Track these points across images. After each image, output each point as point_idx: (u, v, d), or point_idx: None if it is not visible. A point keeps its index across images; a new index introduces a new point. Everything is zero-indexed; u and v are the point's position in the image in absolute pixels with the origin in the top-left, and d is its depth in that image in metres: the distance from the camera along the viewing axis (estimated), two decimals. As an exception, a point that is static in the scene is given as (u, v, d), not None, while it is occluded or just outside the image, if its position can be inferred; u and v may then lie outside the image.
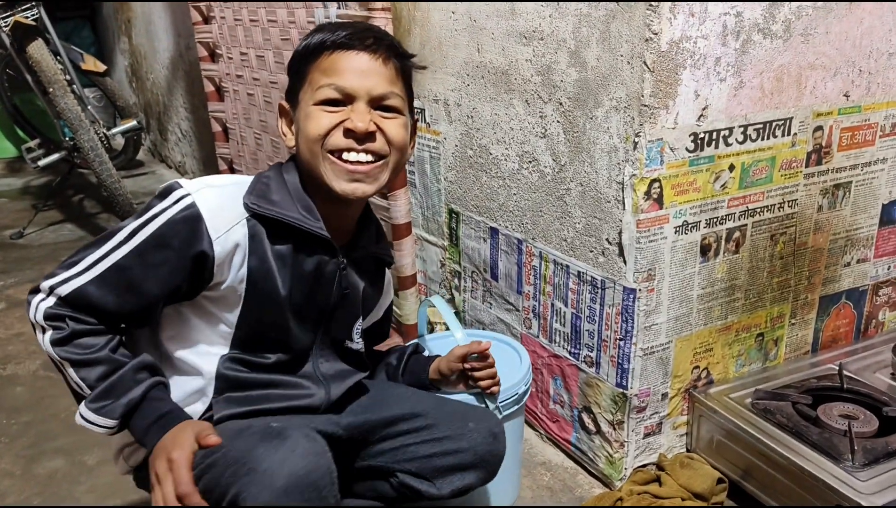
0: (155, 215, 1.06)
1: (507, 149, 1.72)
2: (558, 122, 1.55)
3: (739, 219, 1.55)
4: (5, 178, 4.43)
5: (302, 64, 1.14)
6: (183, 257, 1.05)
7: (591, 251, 1.55)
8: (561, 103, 1.54)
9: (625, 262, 1.47)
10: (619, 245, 1.47)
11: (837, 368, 1.68)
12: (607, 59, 1.41)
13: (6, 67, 3.75)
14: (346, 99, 1.11)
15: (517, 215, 1.74)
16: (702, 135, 1.44)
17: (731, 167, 1.49)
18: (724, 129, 1.46)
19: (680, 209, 1.47)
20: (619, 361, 1.55)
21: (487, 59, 1.71)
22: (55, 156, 3.31)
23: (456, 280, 2.03)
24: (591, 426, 1.66)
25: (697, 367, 1.64)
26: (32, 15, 3.05)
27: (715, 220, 1.52)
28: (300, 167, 1.17)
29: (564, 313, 1.66)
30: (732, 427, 1.55)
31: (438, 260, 2.08)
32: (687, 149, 1.43)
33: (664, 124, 1.38)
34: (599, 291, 1.55)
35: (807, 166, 1.60)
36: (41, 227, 3.60)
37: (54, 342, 1.04)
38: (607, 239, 1.50)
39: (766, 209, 1.58)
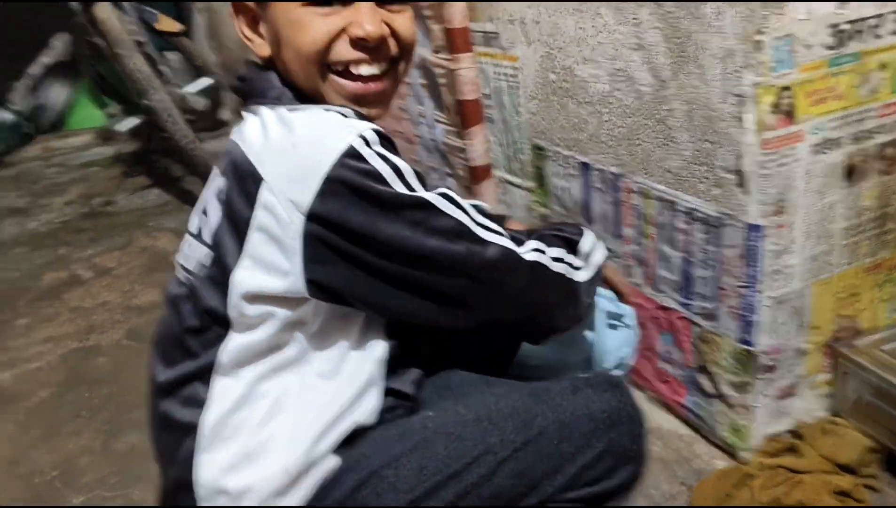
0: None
1: (595, 68, 1.45)
2: (656, 27, 1.28)
3: (894, 130, 1.24)
4: (98, 147, 4.46)
5: None
6: None
7: (703, 183, 1.29)
8: (659, 4, 1.26)
9: (747, 193, 1.20)
10: (739, 173, 1.20)
11: None
12: (716, -61, 1.12)
13: (87, 34, 3.72)
14: None
15: (611, 146, 1.48)
16: (844, 26, 1.13)
17: (883, 66, 1.18)
18: (873, 16, 1.15)
19: (817, 123, 1.18)
20: (742, 312, 1.29)
21: (567, -38, 1.44)
22: (134, 121, 3.25)
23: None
24: (710, 389, 1.41)
25: (841, 315, 1.35)
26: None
27: (862, 134, 1.22)
28: (286, 83, 0.93)
29: (672, 258, 1.41)
30: (885, 385, 1.27)
31: (525, 204, 1.85)
32: (825, 46, 1.13)
33: (794, 15, 1.09)
34: (715, 230, 1.29)
35: (982, 59, 1.26)
36: (129, 193, 3.59)
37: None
38: (723, 167, 1.23)
39: (927, 117, 1.26)
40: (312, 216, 0.78)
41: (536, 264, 0.89)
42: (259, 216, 0.81)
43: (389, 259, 0.80)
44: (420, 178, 0.85)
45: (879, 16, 1.15)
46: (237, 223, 0.83)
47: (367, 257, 0.80)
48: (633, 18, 1.32)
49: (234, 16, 0.96)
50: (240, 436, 0.85)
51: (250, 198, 0.81)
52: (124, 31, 2.84)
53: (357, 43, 0.88)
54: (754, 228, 1.21)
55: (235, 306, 0.84)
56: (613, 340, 1.19)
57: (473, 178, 1.83)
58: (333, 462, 0.87)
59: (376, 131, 0.82)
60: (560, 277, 0.92)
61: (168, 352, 0.91)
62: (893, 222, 1.32)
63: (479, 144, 1.79)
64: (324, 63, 0.88)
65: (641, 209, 1.45)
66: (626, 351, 1.21)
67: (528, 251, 0.89)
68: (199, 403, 0.87)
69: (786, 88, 1.13)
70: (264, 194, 0.80)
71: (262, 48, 0.94)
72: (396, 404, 0.94)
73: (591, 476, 0.87)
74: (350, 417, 0.88)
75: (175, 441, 0.88)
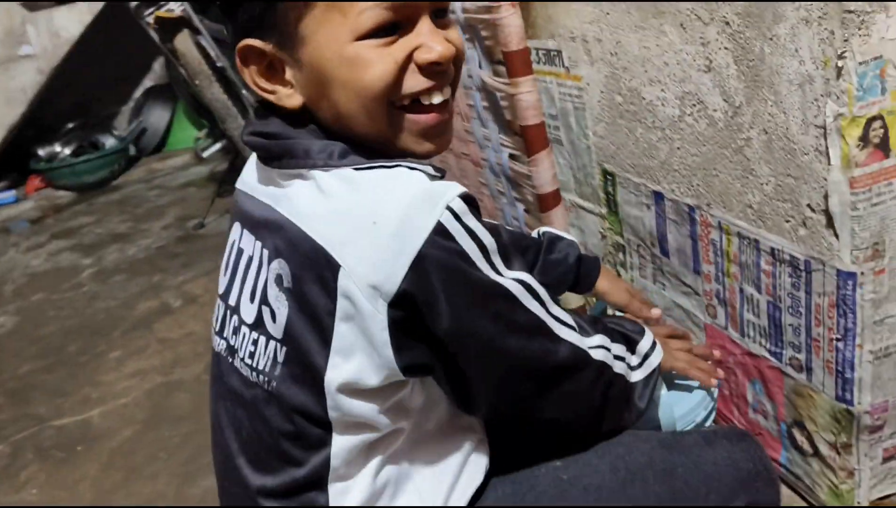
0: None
1: (662, 91, 1.31)
2: (726, 48, 1.13)
3: None
4: (195, 166, 4.61)
5: None
6: None
7: (788, 222, 1.13)
8: (727, 23, 1.11)
9: (836, 236, 1.05)
10: (827, 213, 1.04)
11: None
12: (788, -51, 0.97)
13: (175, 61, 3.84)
14: (402, 19, 0.74)
15: (685, 176, 1.34)
16: (949, 39, 0.96)
17: None
18: None
19: (919, 153, 1.00)
20: (839, 367, 1.13)
21: (627, -24, 1.31)
22: (217, 145, 3.32)
23: (620, 255, 1.67)
24: (807, 447, 1.26)
25: (961, 365, 1.17)
26: (177, 6, 3.02)
27: (978, 160, 1.04)
28: (332, 135, 0.79)
29: (758, 300, 1.25)
30: None
31: (597, 231, 1.73)
32: (925, 64, 0.96)
33: (883, 34, 0.93)
34: (803, 274, 1.13)
35: None
36: (219, 214, 3.68)
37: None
38: (809, 205, 1.08)
39: None
40: (397, 303, 0.69)
41: (602, 365, 0.82)
42: (342, 307, 0.71)
43: (466, 351, 0.74)
44: (507, 248, 0.77)
45: None
46: (317, 317, 0.73)
47: (448, 349, 0.73)
48: (701, 38, 1.18)
49: (243, 66, 0.78)
50: None
51: (328, 287, 0.71)
52: (203, 61, 2.88)
53: (428, 69, 0.75)
54: (847, 275, 1.05)
55: (335, 406, 0.76)
56: (685, 402, 1.07)
57: (541, 206, 1.72)
58: None
59: (463, 197, 0.72)
60: (620, 378, 0.84)
61: (262, 458, 0.82)
62: None
63: (546, 171, 1.67)
64: (391, 102, 0.76)
65: (721, 246, 1.30)
66: (700, 414, 1.08)
67: (596, 349, 0.82)
68: None
69: (876, 118, 0.97)
70: (343, 282, 0.70)
71: (291, 99, 0.78)
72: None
73: None
74: (470, 474, 0.85)
75: None
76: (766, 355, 1.27)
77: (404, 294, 0.69)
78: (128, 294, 2.99)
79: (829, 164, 1.01)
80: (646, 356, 0.89)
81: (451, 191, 0.71)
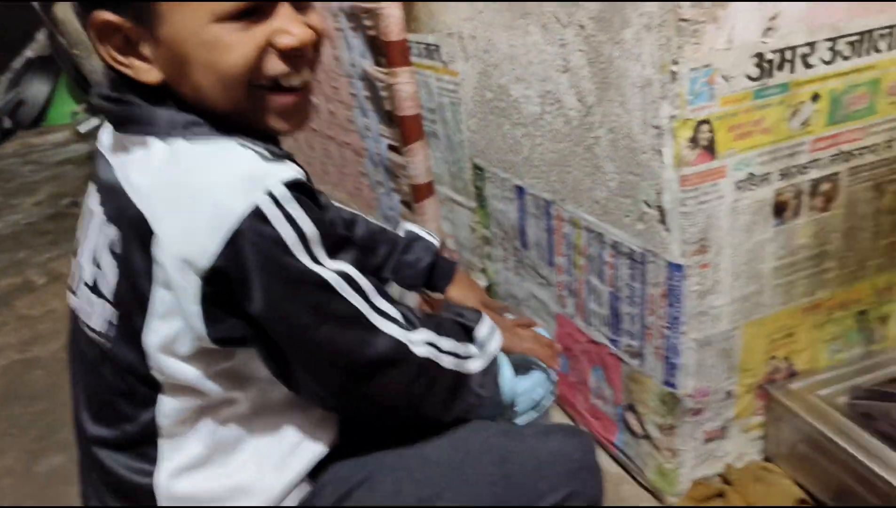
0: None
1: (527, 88, 1.38)
2: (581, 50, 1.21)
3: (829, 165, 1.17)
4: (74, 143, 4.41)
5: None
6: None
7: (628, 216, 1.21)
8: (582, 26, 1.18)
9: (668, 230, 1.13)
10: (660, 209, 1.13)
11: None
12: (633, -40, 1.05)
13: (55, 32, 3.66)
14: (262, 3, 0.74)
15: (544, 171, 1.41)
16: (770, 56, 1.06)
17: (816, 97, 1.11)
18: (804, 44, 1.07)
19: (742, 158, 1.10)
20: (667, 353, 1.22)
21: (500, -24, 1.37)
22: (96, 121, 3.19)
23: (487, 248, 1.73)
24: (638, 429, 1.34)
25: (775, 357, 1.28)
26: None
27: (794, 169, 1.15)
28: (193, 109, 0.78)
29: (601, 291, 1.33)
30: (818, 436, 1.20)
31: (467, 225, 1.78)
32: (749, 77, 1.06)
33: (713, 45, 1.02)
34: (639, 266, 1.22)
35: (925, 89, 1.18)
36: (97, 194, 3.54)
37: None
38: (646, 201, 1.16)
39: (867, 151, 1.19)
40: (209, 278, 0.71)
41: (425, 361, 0.84)
42: (157, 274, 0.73)
43: (278, 331, 0.76)
44: (333, 239, 0.77)
45: (811, 44, 1.08)
46: (139, 283, 0.75)
47: (262, 328, 0.75)
48: (560, 39, 1.25)
49: (97, 41, 0.75)
50: (204, 486, 0.82)
51: (146, 254, 0.73)
52: (83, 31, 2.77)
53: (287, 54, 0.76)
54: (676, 267, 1.14)
55: (157, 368, 0.78)
56: (524, 383, 1.12)
57: (415, 196, 1.76)
58: (304, 489, 0.87)
59: (290, 184, 0.72)
60: (448, 372, 0.87)
61: (100, 412, 0.85)
62: (833, 260, 1.25)
63: (420, 162, 1.72)
64: (250, 81, 0.77)
65: (572, 239, 1.38)
66: (539, 392, 1.14)
67: (420, 345, 0.84)
68: (150, 461, 0.82)
69: (704, 122, 1.06)
70: (156, 251, 0.72)
71: (148, 74, 0.76)
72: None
73: None
74: (312, 445, 0.87)
75: (127, 499, 0.84)
76: (607, 342, 1.36)
77: (217, 271, 0.70)
78: (-11, 270, 2.84)
79: (663, 162, 1.09)
80: (483, 345, 0.93)
81: (275, 175, 0.71)
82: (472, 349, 0.91)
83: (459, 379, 0.88)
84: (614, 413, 1.40)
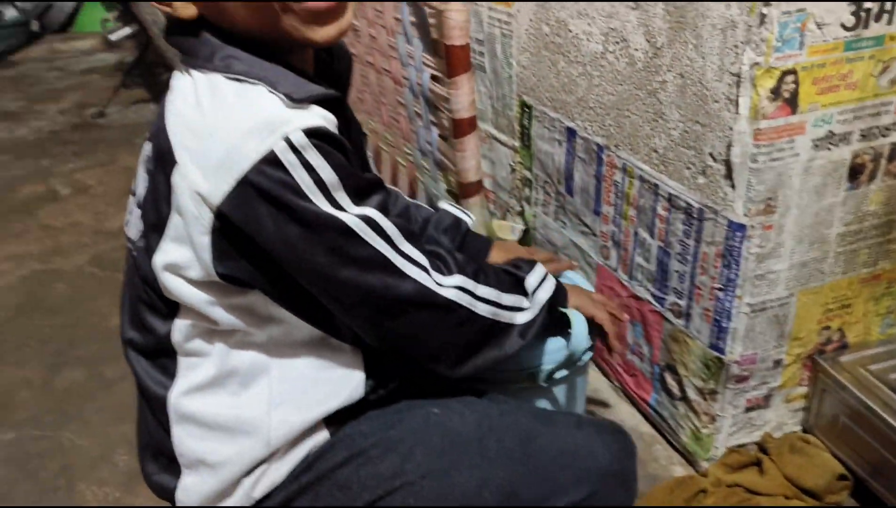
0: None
1: (589, 25, 1.29)
2: (656, -15, 1.12)
3: (912, 129, 1.09)
4: (102, 52, 4.32)
5: None
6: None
7: (689, 169, 1.14)
8: (661, -42, 1.09)
9: (733, 186, 1.06)
10: (727, 163, 1.06)
11: None
12: None
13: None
14: None
15: (599, 114, 1.33)
16: (868, 4, 0.97)
17: (909, 54, 1.02)
18: (905, -5, 0.98)
19: (823, 115, 1.02)
20: (716, 316, 1.16)
21: None
22: (127, 30, 3.11)
23: (526, 190, 1.66)
24: (675, 390, 1.30)
25: (828, 327, 1.22)
26: None
27: (875, 130, 1.07)
28: (220, 30, 0.77)
29: (650, 245, 1.27)
30: (863, 409, 1.15)
31: (508, 164, 1.71)
32: (843, 26, 0.97)
33: (809, -13, 0.93)
34: (696, 222, 1.15)
35: None
36: (124, 106, 3.46)
37: None
38: (711, 154, 1.09)
39: (954, 116, 1.10)
40: (222, 215, 0.71)
41: (453, 304, 0.80)
42: (175, 201, 0.74)
43: (299, 275, 0.75)
44: (358, 184, 0.74)
45: (913, -6, 0.98)
46: (158, 203, 0.77)
47: (279, 267, 0.75)
48: (633, -29, 1.15)
49: None
50: (212, 410, 0.82)
51: (168, 180, 0.74)
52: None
53: None
54: (737, 226, 1.08)
55: (164, 288, 0.78)
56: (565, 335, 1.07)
57: (456, 131, 1.69)
58: (322, 435, 0.85)
59: (310, 131, 0.70)
60: (483, 319, 0.82)
61: (133, 318, 0.86)
62: (901, 229, 1.18)
63: (464, 96, 1.64)
64: None
65: (623, 188, 1.31)
66: (577, 347, 1.09)
67: (450, 288, 0.80)
68: (169, 375, 0.83)
69: (789, 72, 0.97)
70: (176, 179, 0.73)
71: (185, 9, 0.77)
72: (381, 386, 0.88)
73: None
74: (332, 393, 0.84)
75: (148, 408, 0.86)
76: (650, 298, 1.30)
77: (229, 212, 0.70)
78: (11, 175, 2.80)
79: (738, 113, 1.01)
80: (532, 294, 0.88)
81: (295, 122, 0.70)
82: (518, 299, 0.87)
83: (497, 326, 0.85)
84: (650, 372, 1.36)
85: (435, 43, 1.70)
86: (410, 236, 0.78)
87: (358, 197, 0.74)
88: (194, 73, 0.76)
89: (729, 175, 1.06)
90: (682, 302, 1.23)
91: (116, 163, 2.85)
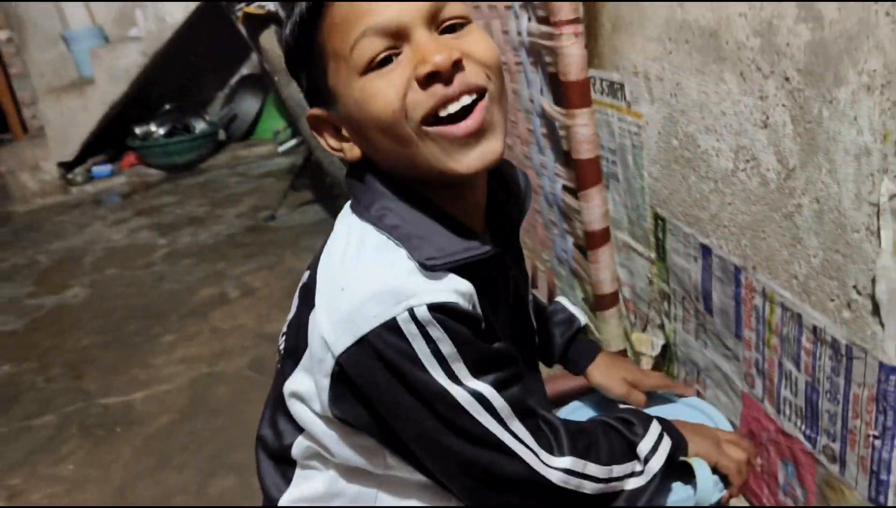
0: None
1: (717, 141, 1.23)
2: (783, 105, 1.04)
3: None
4: (278, 157, 4.71)
5: (306, 44, 0.76)
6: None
7: (833, 301, 1.03)
8: (787, 78, 1.02)
9: (882, 324, 0.94)
10: (873, 299, 0.95)
11: None
12: (854, 8, 0.88)
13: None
14: (396, 39, 0.72)
15: (734, 233, 1.25)
16: None
17: None
18: None
19: None
20: (874, 466, 1.02)
21: (692, 15, 1.23)
22: (292, 141, 3.37)
23: (665, 304, 1.58)
24: (836, 544, 1.15)
25: None
26: (269, 3, 3.08)
27: None
28: (382, 173, 0.79)
29: (796, 378, 1.15)
30: None
31: (646, 275, 1.64)
32: None
33: (954, 111, 0.83)
34: (844, 359, 1.03)
35: None
36: (292, 208, 3.73)
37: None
38: (855, 286, 0.98)
39: None
40: (341, 364, 0.74)
41: (561, 490, 0.78)
42: (309, 337, 0.79)
43: (404, 435, 0.77)
44: (480, 357, 0.75)
45: None
46: (300, 332, 0.82)
47: (388, 422, 0.77)
48: (760, 91, 1.09)
49: (317, 135, 0.82)
50: None
51: (308, 314, 0.80)
52: (284, 59, 2.91)
53: (429, 81, 0.71)
54: (891, 369, 0.95)
55: (293, 413, 0.84)
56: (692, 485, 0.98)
57: (589, 243, 1.65)
58: None
59: (435, 307, 0.70)
60: (589, 497, 0.80)
61: (271, 416, 0.91)
62: None
63: (596, 208, 1.61)
64: (412, 125, 0.73)
65: (764, 313, 1.21)
66: (702, 498, 0.99)
67: (558, 471, 0.77)
68: (286, 480, 0.88)
69: (938, 204, 0.86)
70: (312, 319, 0.78)
71: (352, 151, 0.80)
72: None
73: None
74: None
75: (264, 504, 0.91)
76: (801, 437, 1.17)
77: (347, 364, 0.73)
78: (192, 279, 3.08)
79: (880, 246, 0.91)
80: (646, 461, 0.83)
81: (422, 296, 0.71)
82: (630, 466, 0.82)
83: (604, 497, 0.81)
84: (805, 518, 1.21)
85: (566, 154, 1.69)
86: (523, 414, 0.77)
87: (477, 370, 0.74)
88: (354, 219, 0.80)
89: (877, 312, 0.95)
90: (836, 445, 1.09)
91: (282, 265, 3.06)
